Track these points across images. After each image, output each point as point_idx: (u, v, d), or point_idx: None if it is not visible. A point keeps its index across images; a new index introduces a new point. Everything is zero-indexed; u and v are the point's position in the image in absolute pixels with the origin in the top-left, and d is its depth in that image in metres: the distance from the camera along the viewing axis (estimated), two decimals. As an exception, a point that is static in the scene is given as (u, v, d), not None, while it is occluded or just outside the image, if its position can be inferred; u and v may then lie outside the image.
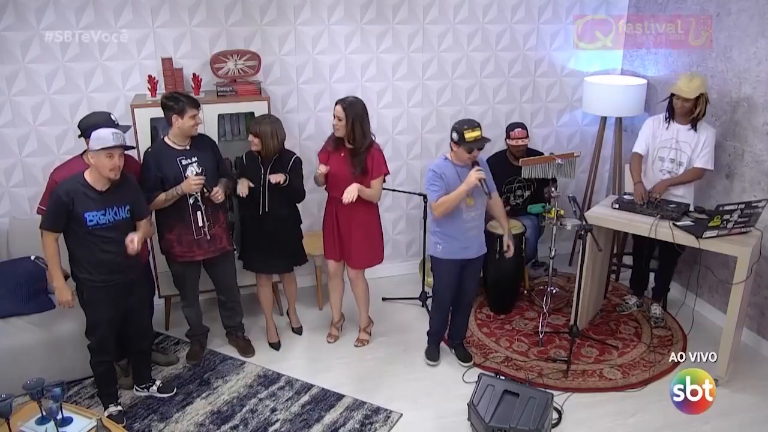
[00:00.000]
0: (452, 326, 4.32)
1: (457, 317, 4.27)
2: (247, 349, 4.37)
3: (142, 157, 3.98)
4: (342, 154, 4.04)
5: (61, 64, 4.33)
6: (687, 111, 4.21)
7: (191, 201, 3.88)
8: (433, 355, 4.30)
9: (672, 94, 4.26)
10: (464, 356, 4.27)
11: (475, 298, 4.36)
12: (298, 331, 4.63)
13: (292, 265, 4.39)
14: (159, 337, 4.49)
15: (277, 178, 3.99)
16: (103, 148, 3.25)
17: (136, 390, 3.92)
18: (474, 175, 3.71)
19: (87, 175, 3.36)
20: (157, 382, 3.95)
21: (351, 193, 3.93)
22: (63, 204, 3.30)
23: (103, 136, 3.28)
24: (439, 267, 4.03)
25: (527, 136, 4.83)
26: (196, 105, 3.79)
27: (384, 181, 4.12)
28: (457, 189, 3.76)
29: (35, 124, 4.41)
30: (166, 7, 4.40)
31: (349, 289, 4.50)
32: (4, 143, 4.39)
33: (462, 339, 4.34)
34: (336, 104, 3.99)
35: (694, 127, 4.24)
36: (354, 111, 3.95)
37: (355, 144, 3.99)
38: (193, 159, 3.86)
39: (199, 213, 3.91)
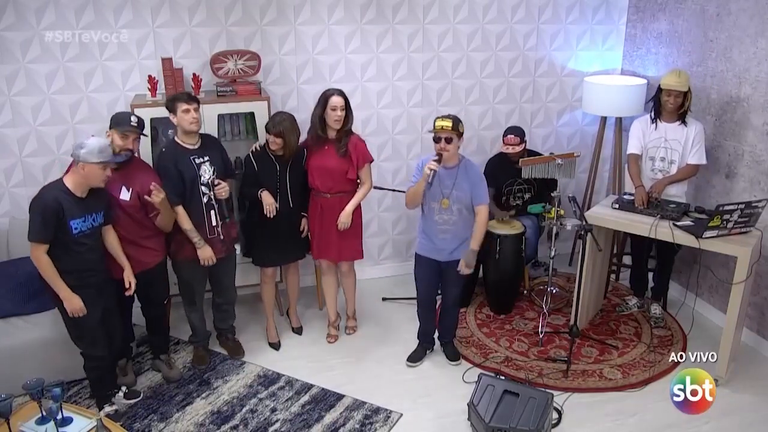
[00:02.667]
0: (440, 326, 4.33)
1: (442, 318, 4.29)
2: (237, 351, 4.36)
3: (154, 158, 4.03)
4: (326, 147, 4.14)
5: (61, 64, 4.33)
6: (677, 106, 4.23)
7: (205, 200, 3.89)
8: (413, 356, 4.30)
9: (659, 92, 4.29)
10: (452, 355, 4.29)
11: (460, 301, 4.29)
12: (298, 331, 4.63)
13: (304, 252, 4.45)
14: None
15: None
16: (100, 162, 3.26)
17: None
18: (427, 165, 3.71)
19: (67, 182, 3.34)
20: (123, 389, 3.87)
21: (345, 221, 4.15)
22: (53, 211, 3.25)
23: (101, 149, 3.28)
24: (416, 262, 4.12)
25: (521, 143, 4.74)
26: (186, 99, 3.77)
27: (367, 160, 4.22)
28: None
29: (35, 124, 4.41)
30: (166, 7, 4.40)
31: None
32: (4, 143, 4.38)
33: (450, 338, 4.33)
34: (333, 96, 4.04)
35: (683, 122, 4.27)
36: (348, 102, 4.11)
37: (345, 129, 4.12)
38: (205, 158, 3.88)
39: (212, 212, 3.92)
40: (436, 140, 3.75)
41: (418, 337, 4.35)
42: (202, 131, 3.99)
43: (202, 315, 4.26)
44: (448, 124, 3.71)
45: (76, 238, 3.32)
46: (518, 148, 4.75)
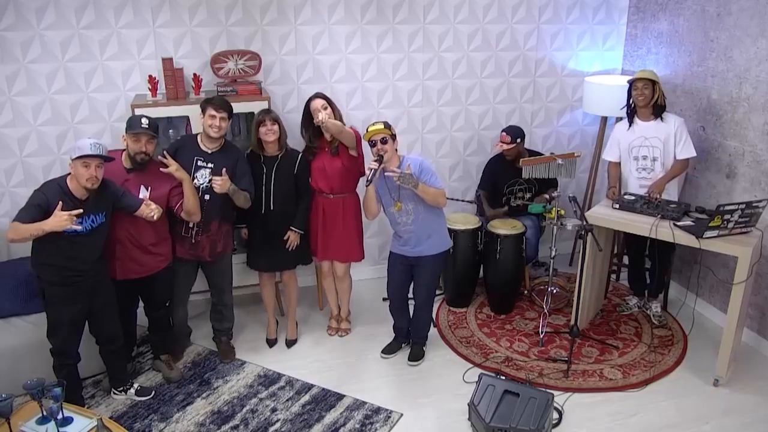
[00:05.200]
0: (411, 326, 4.35)
1: (413, 318, 4.32)
2: (227, 355, 4.32)
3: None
4: (325, 149, 4.18)
5: (61, 64, 4.33)
6: (648, 98, 4.28)
7: None
8: (387, 348, 4.38)
9: (629, 91, 4.35)
10: (412, 356, 4.31)
11: (428, 303, 4.23)
12: (291, 343, 4.51)
13: (295, 263, 4.38)
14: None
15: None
16: (79, 157, 3.25)
17: (114, 394, 3.90)
18: (367, 167, 3.87)
19: (69, 182, 3.35)
20: (135, 385, 3.94)
21: (324, 114, 4.00)
22: (44, 205, 3.26)
23: (81, 146, 3.28)
24: (389, 261, 4.21)
25: (512, 142, 4.73)
26: (217, 106, 3.80)
27: (359, 144, 4.16)
28: None
29: (36, 124, 4.41)
30: (166, 7, 4.40)
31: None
32: (5, 143, 4.39)
33: (419, 339, 4.34)
34: (311, 102, 4.11)
35: (659, 116, 4.32)
36: (329, 99, 4.15)
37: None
38: (210, 164, 3.88)
39: None
40: (372, 144, 3.84)
41: (393, 331, 4.40)
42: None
43: (184, 313, 4.28)
44: (380, 126, 3.83)
45: (66, 236, 3.28)
46: (508, 147, 4.75)
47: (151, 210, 3.57)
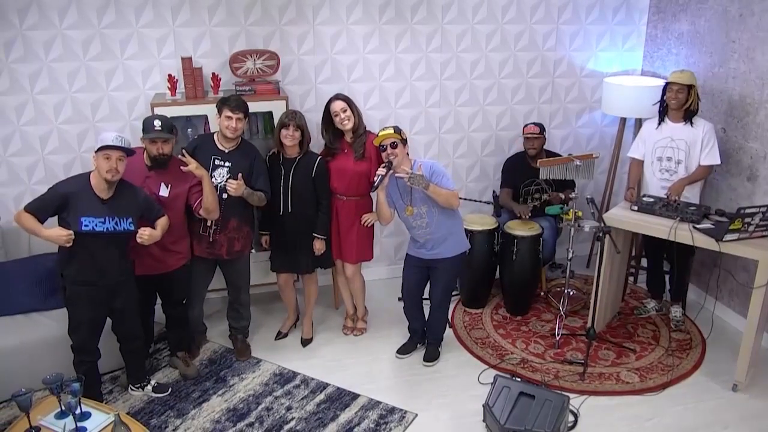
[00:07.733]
0: (426, 326, 4.35)
1: (429, 318, 4.31)
2: (242, 353, 4.34)
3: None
4: (345, 150, 4.19)
5: (82, 63, 4.38)
6: (681, 102, 4.23)
7: None
8: (401, 348, 4.38)
9: (664, 90, 4.31)
10: (427, 356, 4.30)
11: (444, 305, 4.21)
12: (306, 342, 4.51)
13: (314, 266, 4.37)
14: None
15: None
16: (101, 148, 3.29)
17: (131, 390, 3.94)
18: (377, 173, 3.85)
19: (92, 179, 3.39)
20: (152, 382, 3.97)
21: (370, 217, 4.20)
22: (55, 199, 3.31)
23: (104, 138, 3.34)
24: (404, 262, 4.22)
25: (540, 134, 4.79)
26: (233, 107, 3.82)
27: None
28: None
29: (57, 122, 4.46)
30: (186, 6, 4.43)
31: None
32: (27, 141, 4.45)
33: (435, 340, 4.34)
34: (332, 103, 4.12)
35: (689, 121, 4.27)
36: (350, 101, 4.14)
37: (358, 130, 4.16)
38: (227, 163, 3.91)
39: None
40: (383, 149, 3.83)
41: (408, 331, 4.41)
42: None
43: (200, 311, 4.32)
44: (390, 131, 3.84)
45: (84, 233, 3.32)
46: (539, 137, 4.78)
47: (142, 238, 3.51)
